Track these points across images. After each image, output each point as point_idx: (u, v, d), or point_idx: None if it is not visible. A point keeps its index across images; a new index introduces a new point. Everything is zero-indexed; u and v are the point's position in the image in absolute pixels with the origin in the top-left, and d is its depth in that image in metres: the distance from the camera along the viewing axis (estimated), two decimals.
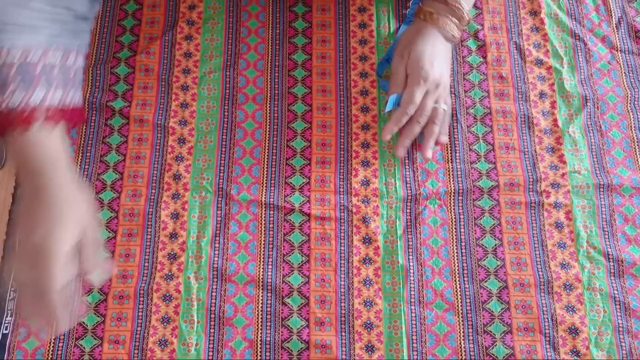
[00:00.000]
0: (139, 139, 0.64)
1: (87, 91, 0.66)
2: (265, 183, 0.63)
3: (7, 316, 0.57)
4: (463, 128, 0.66)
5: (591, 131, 0.66)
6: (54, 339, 0.56)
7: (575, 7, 0.72)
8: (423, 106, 0.60)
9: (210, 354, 0.56)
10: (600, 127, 0.66)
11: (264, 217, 0.62)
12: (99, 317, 0.57)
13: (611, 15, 0.71)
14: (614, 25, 0.71)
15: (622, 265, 0.60)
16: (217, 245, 0.61)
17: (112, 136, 0.64)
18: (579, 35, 0.70)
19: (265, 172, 0.64)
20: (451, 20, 0.61)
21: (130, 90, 0.66)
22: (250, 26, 0.69)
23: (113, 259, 0.58)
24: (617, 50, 0.70)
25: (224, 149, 0.64)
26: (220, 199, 0.62)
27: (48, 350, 0.56)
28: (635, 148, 0.65)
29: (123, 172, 0.63)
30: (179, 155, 0.64)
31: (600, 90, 0.68)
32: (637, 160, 0.65)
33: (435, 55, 0.61)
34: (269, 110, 0.66)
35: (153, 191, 0.62)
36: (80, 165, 0.63)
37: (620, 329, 0.58)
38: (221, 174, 0.63)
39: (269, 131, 0.65)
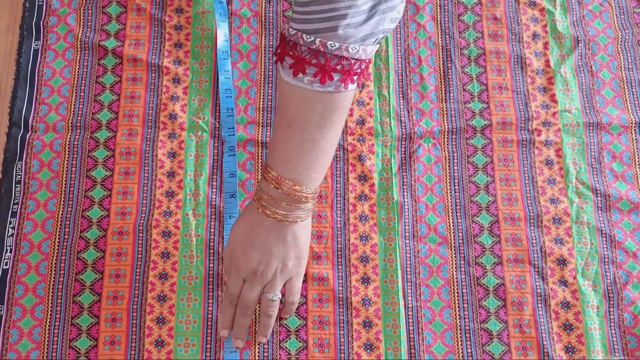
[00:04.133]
0: (133, 78, 0.64)
1: (79, 31, 0.65)
2: (261, 122, 0.63)
3: (6, 252, 0.57)
4: (457, 69, 0.66)
5: (582, 71, 0.67)
6: (54, 274, 0.57)
7: None
8: (242, 297, 0.53)
9: (210, 287, 0.58)
10: (591, 68, 0.67)
11: (261, 155, 0.62)
12: (98, 252, 0.58)
13: None
14: None
15: (609, 200, 0.62)
16: (214, 183, 0.61)
17: (106, 76, 0.64)
18: None
19: (261, 112, 0.64)
20: (284, 208, 0.49)
21: (122, 29, 0.65)
22: None
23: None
24: None
25: (219, 90, 0.64)
26: (216, 138, 0.62)
27: (49, 284, 0.56)
28: (624, 88, 0.67)
29: (118, 112, 0.63)
30: (174, 95, 0.64)
31: (592, 31, 0.68)
32: (626, 99, 0.66)
33: (252, 242, 0.51)
34: (264, 50, 0.66)
35: (149, 130, 0.62)
36: (74, 104, 0.63)
37: (606, 260, 0.60)
38: (217, 114, 0.63)
39: (263, 72, 0.65)
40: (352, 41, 0.42)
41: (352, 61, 0.43)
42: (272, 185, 0.49)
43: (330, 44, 0.42)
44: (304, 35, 0.43)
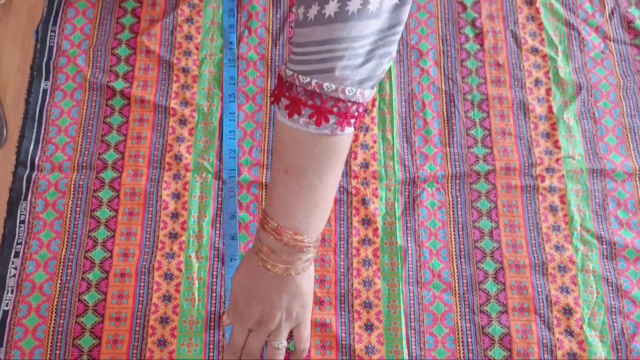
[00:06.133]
0: (140, 119, 0.64)
1: (88, 72, 0.66)
2: (266, 164, 0.64)
3: (7, 293, 0.57)
4: (460, 113, 0.67)
5: (585, 118, 0.67)
6: (55, 316, 0.56)
7: None
8: (247, 346, 0.52)
9: (212, 332, 0.57)
10: (594, 114, 0.68)
11: (265, 198, 0.62)
12: (100, 294, 0.57)
13: (604, 5, 0.73)
14: (607, 15, 0.72)
15: (615, 248, 0.62)
16: (218, 225, 0.61)
17: (113, 116, 0.64)
18: (573, 25, 0.72)
19: (266, 154, 0.64)
20: (285, 261, 0.48)
21: (131, 71, 0.66)
22: (250, 10, 0.70)
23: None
24: (610, 40, 0.71)
25: (223, 131, 0.64)
26: (220, 180, 0.63)
27: (49, 327, 0.56)
28: (627, 135, 0.67)
29: (124, 152, 0.63)
30: (180, 136, 0.64)
31: (594, 78, 0.69)
32: (629, 146, 0.66)
33: (253, 294, 0.50)
34: (269, 92, 0.67)
35: (154, 171, 0.62)
36: (81, 144, 0.63)
37: (613, 310, 0.59)
38: (221, 155, 0.64)
39: (268, 114, 0.66)
40: (349, 84, 0.42)
41: (349, 104, 0.43)
42: (271, 237, 0.47)
43: (327, 86, 0.41)
44: (300, 77, 0.42)
